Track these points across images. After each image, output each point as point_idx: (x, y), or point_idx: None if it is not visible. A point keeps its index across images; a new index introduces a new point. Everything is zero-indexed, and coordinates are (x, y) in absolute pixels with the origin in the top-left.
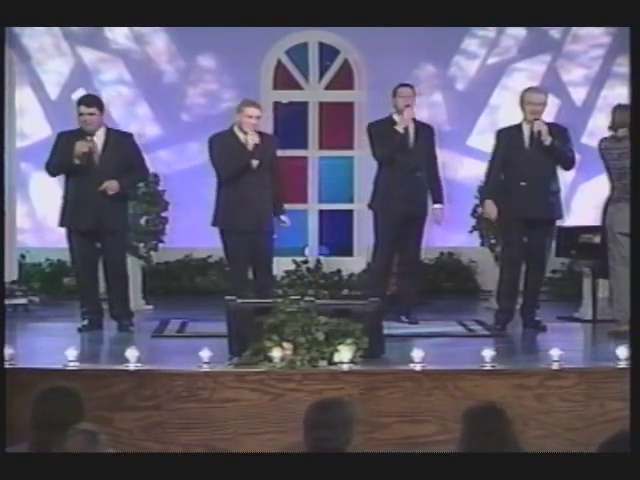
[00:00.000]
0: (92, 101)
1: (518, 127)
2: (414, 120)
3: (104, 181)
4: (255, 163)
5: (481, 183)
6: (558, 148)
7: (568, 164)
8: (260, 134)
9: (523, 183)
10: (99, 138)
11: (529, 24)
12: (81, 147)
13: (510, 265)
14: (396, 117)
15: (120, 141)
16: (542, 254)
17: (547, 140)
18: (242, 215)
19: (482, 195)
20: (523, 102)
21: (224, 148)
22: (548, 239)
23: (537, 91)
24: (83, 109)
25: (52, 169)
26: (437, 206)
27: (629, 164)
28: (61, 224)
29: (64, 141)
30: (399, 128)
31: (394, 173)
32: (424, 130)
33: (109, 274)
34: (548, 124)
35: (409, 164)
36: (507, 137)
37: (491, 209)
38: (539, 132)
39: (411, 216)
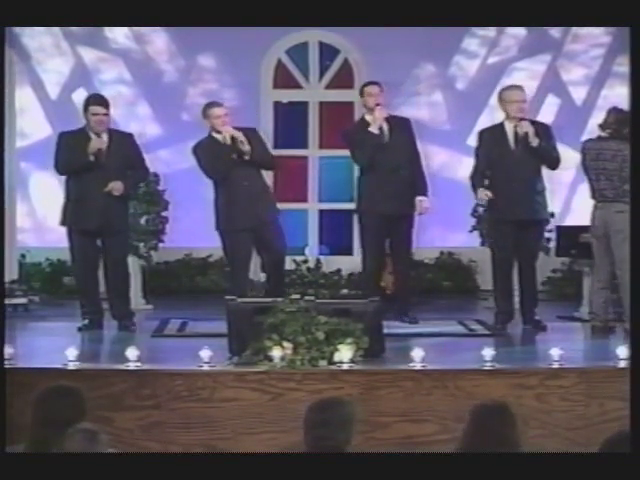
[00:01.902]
0: (106, 102)
1: (500, 127)
2: (388, 117)
3: (109, 181)
4: (235, 156)
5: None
6: (545, 148)
7: (554, 164)
8: (238, 129)
9: (512, 184)
10: (104, 138)
11: (529, 24)
12: (96, 144)
13: (502, 266)
14: (368, 117)
15: (122, 141)
16: (533, 253)
17: (534, 142)
18: (240, 213)
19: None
20: (504, 101)
21: (207, 152)
22: (537, 238)
23: (518, 88)
24: (99, 109)
25: (61, 168)
26: (420, 198)
27: (609, 166)
28: (63, 223)
29: (70, 140)
30: (373, 129)
31: (375, 174)
32: (399, 125)
33: (111, 274)
34: (531, 123)
35: (389, 163)
36: (491, 137)
37: (483, 193)
38: (526, 134)
39: (397, 215)
